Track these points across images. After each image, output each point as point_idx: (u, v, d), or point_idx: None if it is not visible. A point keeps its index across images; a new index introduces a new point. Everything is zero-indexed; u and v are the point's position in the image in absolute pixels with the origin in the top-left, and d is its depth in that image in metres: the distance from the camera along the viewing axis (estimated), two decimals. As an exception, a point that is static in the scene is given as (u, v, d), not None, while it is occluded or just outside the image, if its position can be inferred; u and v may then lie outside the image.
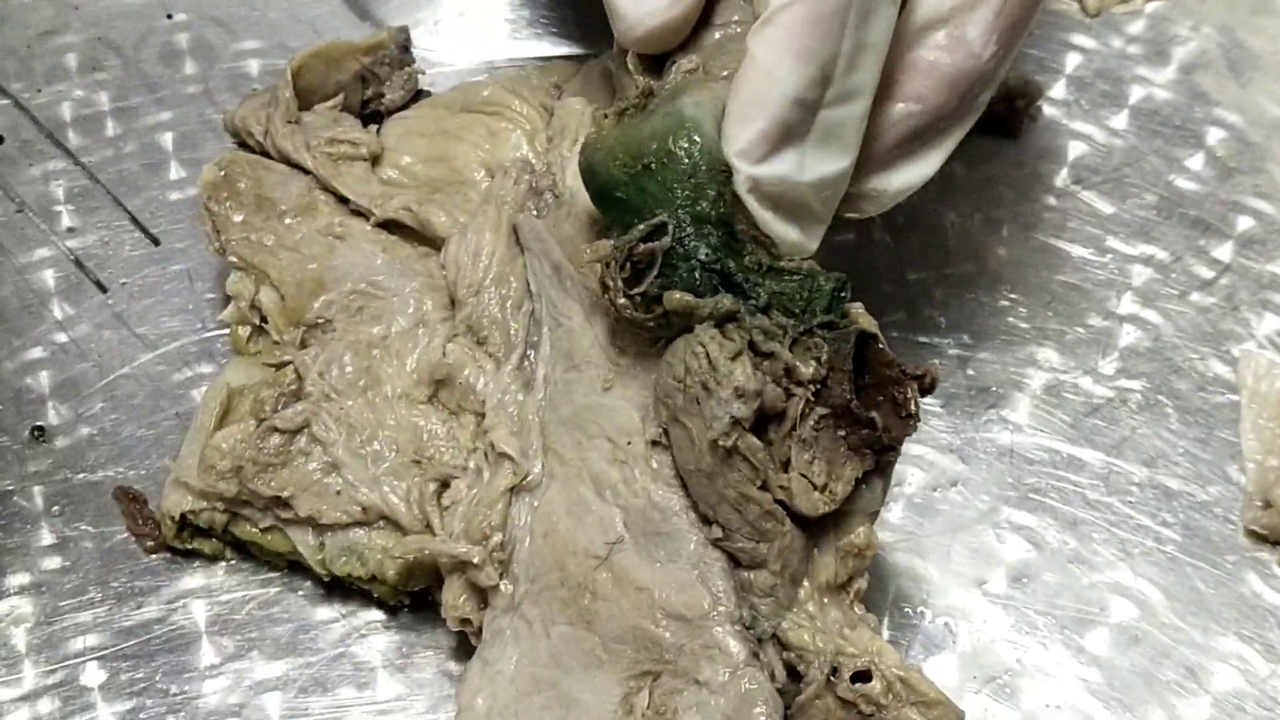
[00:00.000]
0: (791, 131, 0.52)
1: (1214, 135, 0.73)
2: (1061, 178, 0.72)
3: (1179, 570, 0.63)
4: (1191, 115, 0.74)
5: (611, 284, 0.52)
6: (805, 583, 0.53)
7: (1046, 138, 0.74)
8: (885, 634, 0.61)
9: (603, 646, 0.54)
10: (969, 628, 0.61)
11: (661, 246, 0.52)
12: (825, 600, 0.53)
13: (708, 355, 0.51)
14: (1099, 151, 0.73)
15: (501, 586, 0.56)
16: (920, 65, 0.55)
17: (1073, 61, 0.75)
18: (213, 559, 0.61)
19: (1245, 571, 0.63)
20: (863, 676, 0.51)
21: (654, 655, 0.53)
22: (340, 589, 0.60)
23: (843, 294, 0.53)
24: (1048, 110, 0.73)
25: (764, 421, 0.52)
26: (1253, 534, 0.63)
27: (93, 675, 0.58)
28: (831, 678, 0.52)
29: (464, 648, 0.59)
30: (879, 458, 0.52)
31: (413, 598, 0.60)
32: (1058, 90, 0.74)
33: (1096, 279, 0.70)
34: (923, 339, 0.68)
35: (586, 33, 0.73)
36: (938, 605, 0.62)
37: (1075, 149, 0.73)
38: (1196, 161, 0.73)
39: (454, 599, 0.57)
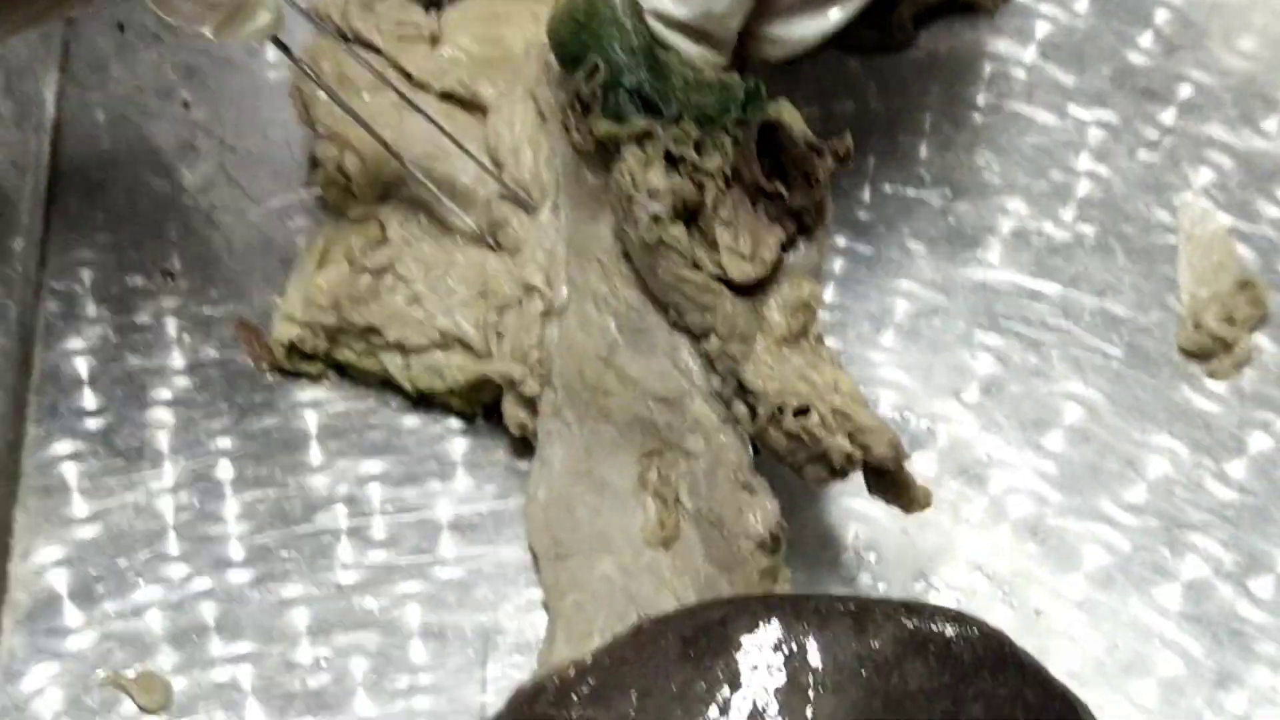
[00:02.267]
0: None
1: (1161, 16, 0.77)
2: (1030, 53, 0.76)
3: (1122, 381, 0.68)
4: None
5: (568, 123, 0.59)
6: (760, 338, 0.57)
7: (1018, 19, 0.77)
8: None
9: (618, 434, 0.60)
10: (947, 429, 0.67)
11: (596, 83, 0.58)
12: (784, 350, 0.57)
13: (630, 169, 0.57)
14: (1063, 30, 0.76)
15: (544, 395, 0.63)
16: None
17: None
18: (317, 378, 0.67)
19: (1178, 382, 0.68)
20: (802, 411, 0.56)
21: (654, 435, 0.60)
22: (424, 401, 0.66)
23: (757, 95, 0.58)
24: None
25: (691, 214, 0.57)
26: (1185, 351, 0.69)
27: (224, 470, 0.65)
28: (777, 414, 0.56)
29: (526, 448, 0.65)
30: (800, 222, 0.58)
31: (485, 409, 0.66)
32: None
33: (1058, 140, 0.73)
34: (910, 192, 0.72)
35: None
36: (921, 411, 0.67)
37: (1042, 28, 0.76)
38: (1146, 39, 0.76)
39: (511, 408, 0.64)
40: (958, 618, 0.47)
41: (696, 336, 0.58)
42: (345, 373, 0.68)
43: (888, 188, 0.72)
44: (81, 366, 0.67)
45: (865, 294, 0.70)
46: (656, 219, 0.57)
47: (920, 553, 0.64)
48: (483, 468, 0.66)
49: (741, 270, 0.57)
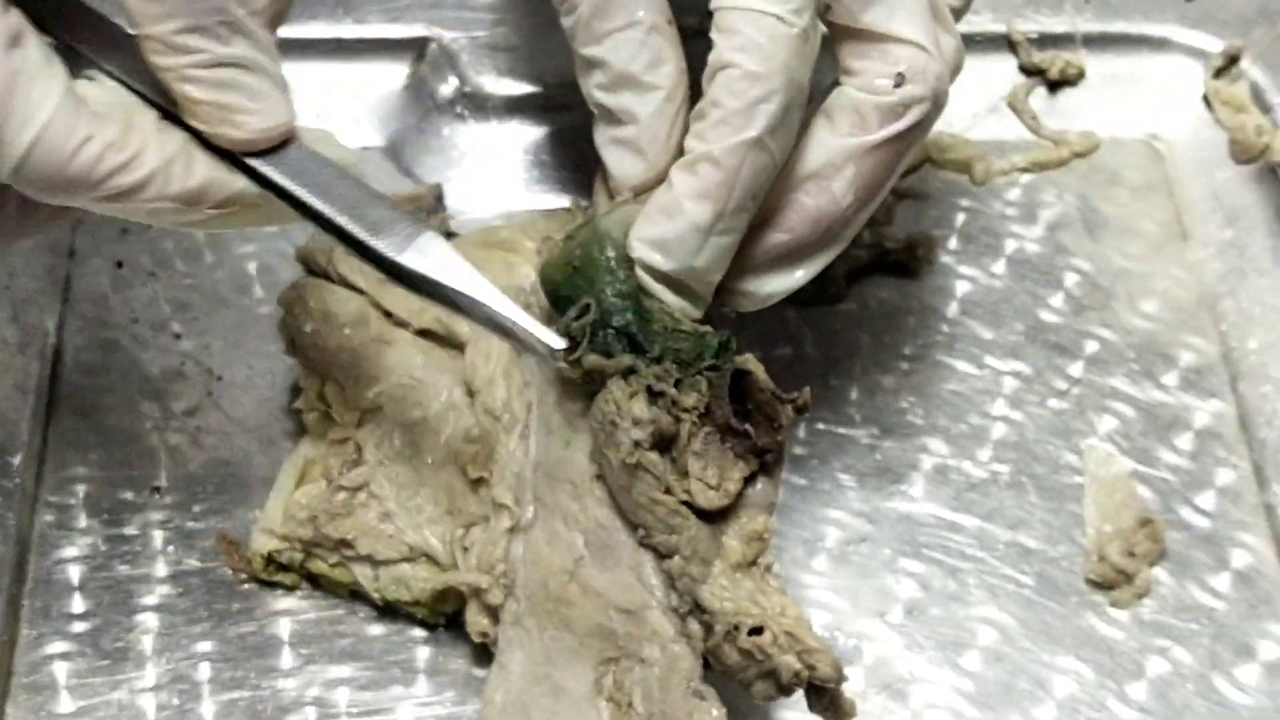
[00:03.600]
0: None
1: (1070, 279, 0.81)
2: (952, 309, 0.80)
3: (1033, 608, 0.71)
4: (1054, 263, 0.82)
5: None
6: (718, 563, 0.60)
7: (941, 278, 0.81)
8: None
9: (578, 642, 0.62)
10: (872, 647, 0.70)
11: (585, 322, 0.61)
12: (738, 575, 0.60)
13: (615, 399, 0.60)
14: (982, 290, 0.81)
15: (507, 605, 0.65)
16: (794, 205, 0.63)
17: (961, 219, 0.83)
18: (291, 589, 0.70)
19: (1084, 610, 0.71)
20: (757, 631, 0.58)
21: (613, 644, 0.62)
22: (391, 612, 0.69)
23: (728, 346, 0.61)
24: (943, 257, 0.82)
25: (666, 444, 0.60)
26: (1090, 582, 0.72)
27: (203, 672, 0.68)
28: (732, 631, 0.59)
29: (485, 656, 0.67)
30: (761, 460, 0.61)
31: (446, 619, 0.69)
32: (951, 242, 0.82)
33: (977, 388, 0.77)
34: (841, 430, 0.76)
35: (585, 189, 0.74)
36: (849, 630, 0.70)
37: (962, 287, 0.81)
38: (1057, 299, 0.81)
39: (474, 616, 0.66)
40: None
41: (661, 555, 0.61)
42: (317, 583, 0.71)
43: (821, 426, 0.76)
44: (73, 573, 0.71)
45: (800, 521, 0.74)
46: (638, 444, 0.60)
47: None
48: (443, 674, 0.69)
49: (708, 498, 0.60)
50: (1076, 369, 0.79)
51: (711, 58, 0.61)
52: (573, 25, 0.63)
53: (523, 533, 0.65)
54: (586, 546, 0.63)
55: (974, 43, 0.88)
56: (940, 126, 0.82)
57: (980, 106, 0.88)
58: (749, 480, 0.62)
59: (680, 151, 0.62)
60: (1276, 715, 0.69)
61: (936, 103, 0.62)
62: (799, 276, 0.64)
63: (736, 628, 0.59)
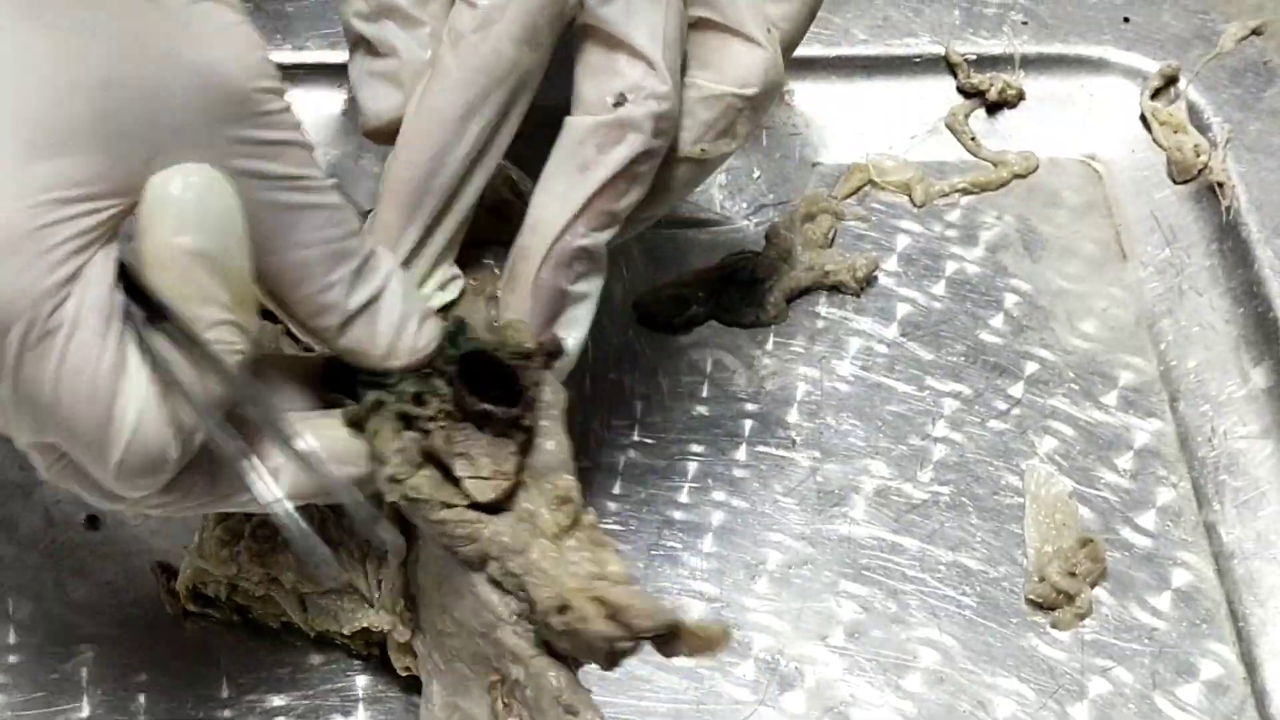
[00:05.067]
0: None
1: (1010, 300, 0.82)
2: (892, 331, 0.80)
3: (974, 629, 0.71)
4: (994, 284, 0.82)
5: None
6: (536, 546, 0.57)
7: (882, 300, 0.81)
8: (750, 674, 0.69)
9: (469, 669, 0.61)
10: (814, 670, 0.70)
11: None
12: (565, 545, 0.57)
13: (374, 446, 0.57)
14: (922, 311, 0.81)
15: (415, 640, 0.64)
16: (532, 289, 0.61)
17: (903, 241, 0.84)
18: (222, 621, 0.69)
19: (1025, 630, 0.71)
20: (562, 609, 0.55)
21: (490, 667, 0.60)
22: (327, 642, 0.69)
23: (461, 332, 0.59)
24: (883, 279, 0.82)
25: (437, 459, 0.57)
26: (1031, 602, 0.72)
27: (140, 704, 0.68)
28: (548, 616, 0.56)
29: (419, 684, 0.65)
30: (521, 429, 0.58)
31: (380, 647, 0.68)
32: (890, 264, 0.83)
33: (917, 409, 0.78)
34: (781, 453, 0.76)
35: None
36: (790, 654, 0.70)
37: (903, 309, 0.81)
38: (997, 320, 0.81)
39: (394, 653, 0.67)
40: None
41: (478, 568, 0.59)
42: (247, 613, 0.70)
43: (761, 448, 0.77)
44: (11, 606, 0.71)
45: (740, 545, 0.74)
46: (394, 479, 0.57)
47: (788, 785, 0.67)
48: (382, 703, 0.69)
49: (483, 491, 0.58)
50: (1017, 389, 0.80)
51: None
52: None
53: (417, 565, 0.64)
54: (441, 579, 0.62)
55: (912, 64, 0.89)
56: (880, 149, 0.85)
57: (919, 128, 0.88)
58: (526, 451, 0.59)
59: None
60: (1218, 734, 0.70)
61: (659, 127, 0.60)
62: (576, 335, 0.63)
63: (545, 613, 0.56)
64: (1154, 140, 0.88)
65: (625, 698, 0.69)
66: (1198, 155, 0.86)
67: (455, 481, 0.58)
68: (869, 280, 0.82)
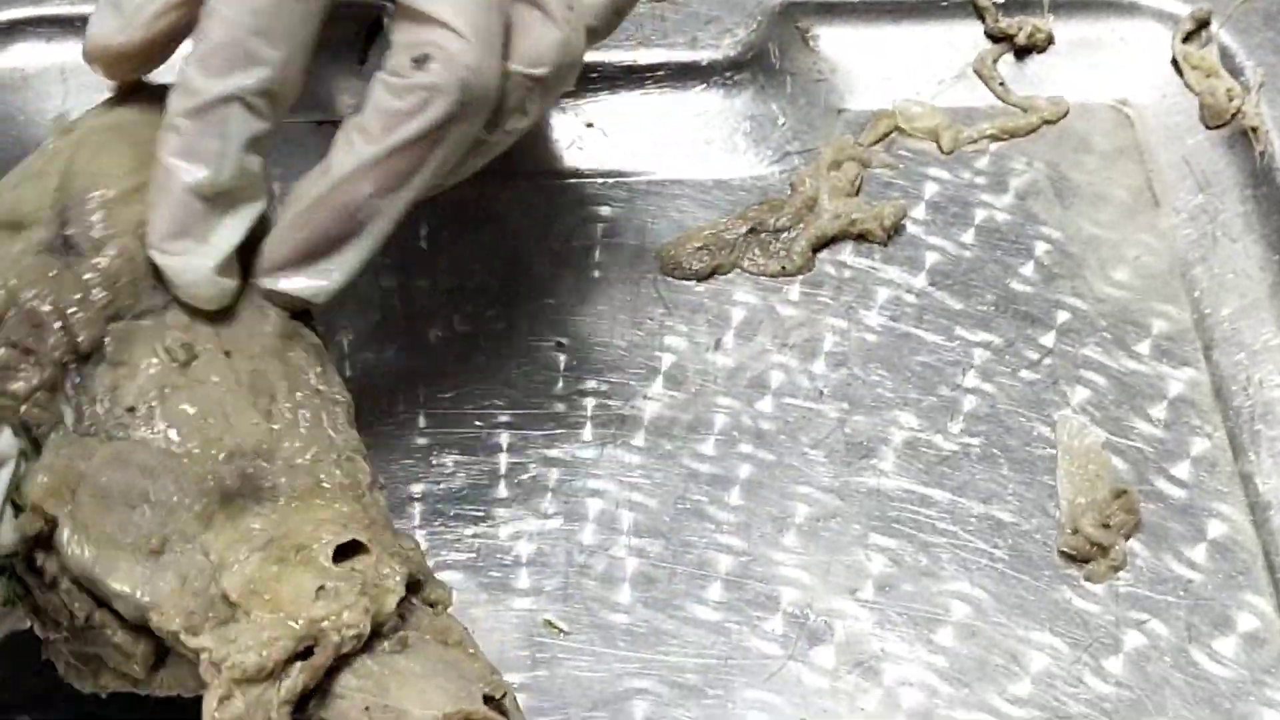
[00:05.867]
0: None
1: (1040, 248, 0.81)
2: (921, 280, 0.79)
3: (1007, 582, 0.70)
4: (1024, 232, 0.81)
5: None
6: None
7: (910, 249, 0.81)
8: (779, 628, 0.68)
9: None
10: (844, 625, 0.69)
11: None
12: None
13: None
14: (951, 260, 0.80)
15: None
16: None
17: (930, 189, 0.83)
18: None
19: (1058, 583, 0.70)
20: None
21: None
22: None
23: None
24: (911, 228, 0.81)
25: (43, 542, 0.52)
26: (1064, 554, 0.71)
27: None
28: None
29: None
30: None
31: None
32: (919, 212, 0.82)
33: (947, 359, 0.77)
34: (808, 405, 0.75)
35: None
36: (820, 608, 0.69)
37: (931, 258, 0.80)
38: (1027, 269, 0.80)
39: None
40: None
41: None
42: None
43: (788, 400, 0.76)
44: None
45: (768, 498, 0.73)
46: (7, 601, 0.55)
47: (819, 742, 0.67)
48: None
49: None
50: (1048, 339, 0.79)
51: None
52: None
53: None
54: None
55: (939, 8, 0.88)
56: (907, 94, 0.83)
57: (947, 74, 0.87)
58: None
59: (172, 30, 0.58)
60: (1254, 687, 0.69)
61: (465, 97, 0.58)
62: (335, 277, 0.60)
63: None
64: (1186, 85, 0.87)
65: (652, 653, 0.68)
66: (1230, 100, 0.85)
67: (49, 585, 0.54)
68: (897, 229, 0.81)
